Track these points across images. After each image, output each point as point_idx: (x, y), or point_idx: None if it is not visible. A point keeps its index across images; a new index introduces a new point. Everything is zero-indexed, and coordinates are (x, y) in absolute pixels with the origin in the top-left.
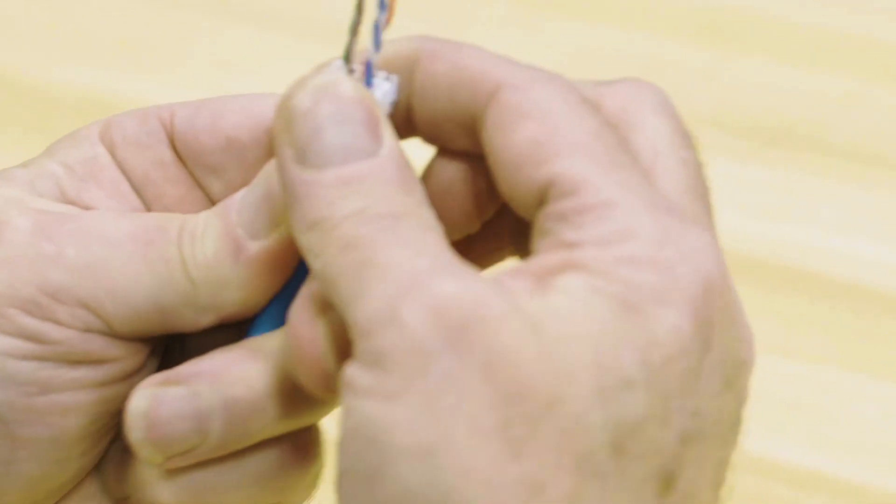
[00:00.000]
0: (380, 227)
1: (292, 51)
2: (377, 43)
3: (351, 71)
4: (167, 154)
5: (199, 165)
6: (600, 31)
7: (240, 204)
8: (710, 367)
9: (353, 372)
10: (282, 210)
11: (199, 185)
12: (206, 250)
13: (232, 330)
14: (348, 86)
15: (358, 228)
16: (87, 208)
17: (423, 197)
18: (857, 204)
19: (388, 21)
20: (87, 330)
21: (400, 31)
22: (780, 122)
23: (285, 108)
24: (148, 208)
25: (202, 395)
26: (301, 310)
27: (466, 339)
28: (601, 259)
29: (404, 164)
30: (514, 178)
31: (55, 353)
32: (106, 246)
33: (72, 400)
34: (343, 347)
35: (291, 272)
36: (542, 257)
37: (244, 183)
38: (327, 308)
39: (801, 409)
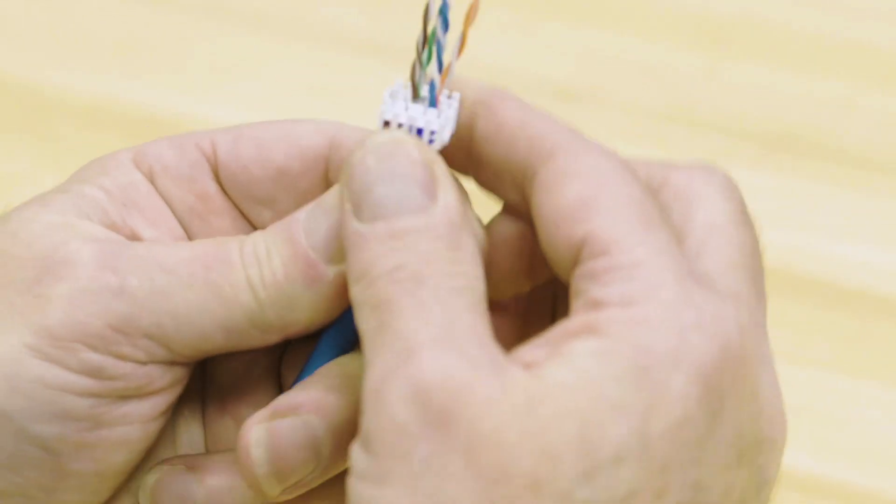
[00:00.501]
0: (405, 289)
1: (290, 54)
2: (440, 63)
3: (415, 91)
4: (211, 186)
5: (248, 198)
6: (601, 36)
7: (306, 226)
8: (718, 438)
9: (353, 451)
10: None
11: (245, 216)
12: (275, 272)
13: (257, 351)
14: (408, 145)
15: (387, 288)
16: (131, 234)
17: (470, 254)
18: (862, 209)
19: (460, 52)
20: (148, 361)
21: (400, 32)
22: (783, 127)
23: (348, 164)
24: (191, 238)
25: (312, 424)
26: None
27: (448, 424)
28: (618, 321)
29: (458, 221)
30: (554, 235)
31: (112, 389)
32: (166, 273)
33: (121, 435)
34: None
35: None
36: (568, 321)
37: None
38: None
39: (808, 415)
